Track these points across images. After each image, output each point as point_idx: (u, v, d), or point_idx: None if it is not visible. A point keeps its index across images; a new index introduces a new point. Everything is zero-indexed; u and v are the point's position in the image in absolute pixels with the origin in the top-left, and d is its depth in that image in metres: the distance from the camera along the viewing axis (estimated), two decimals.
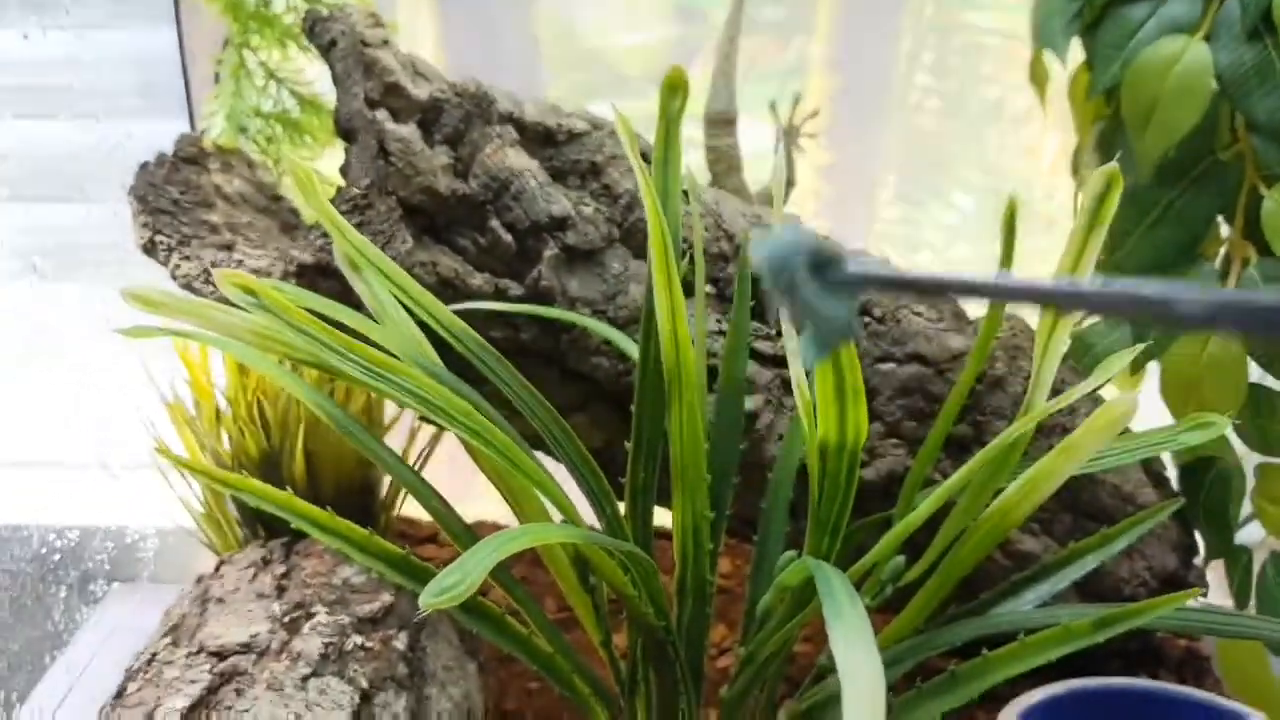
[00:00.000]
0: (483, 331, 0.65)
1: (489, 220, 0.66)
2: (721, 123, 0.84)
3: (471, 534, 0.55)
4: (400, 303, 0.54)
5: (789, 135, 0.89)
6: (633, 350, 0.61)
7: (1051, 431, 0.72)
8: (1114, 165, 0.44)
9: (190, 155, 0.75)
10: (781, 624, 0.52)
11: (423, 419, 0.72)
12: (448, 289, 0.65)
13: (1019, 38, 0.94)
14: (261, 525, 0.80)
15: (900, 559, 0.54)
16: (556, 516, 0.54)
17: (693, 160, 0.75)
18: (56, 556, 0.98)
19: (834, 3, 0.90)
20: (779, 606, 0.51)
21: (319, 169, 0.81)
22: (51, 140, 0.93)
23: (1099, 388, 0.52)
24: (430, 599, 0.31)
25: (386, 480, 0.85)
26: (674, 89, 0.53)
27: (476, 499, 0.99)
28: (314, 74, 0.81)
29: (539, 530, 0.38)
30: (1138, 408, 0.46)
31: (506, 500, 0.55)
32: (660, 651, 0.50)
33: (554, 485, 0.50)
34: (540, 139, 0.69)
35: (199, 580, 0.71)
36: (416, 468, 0.76)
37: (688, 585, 0.54)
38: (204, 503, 0.82)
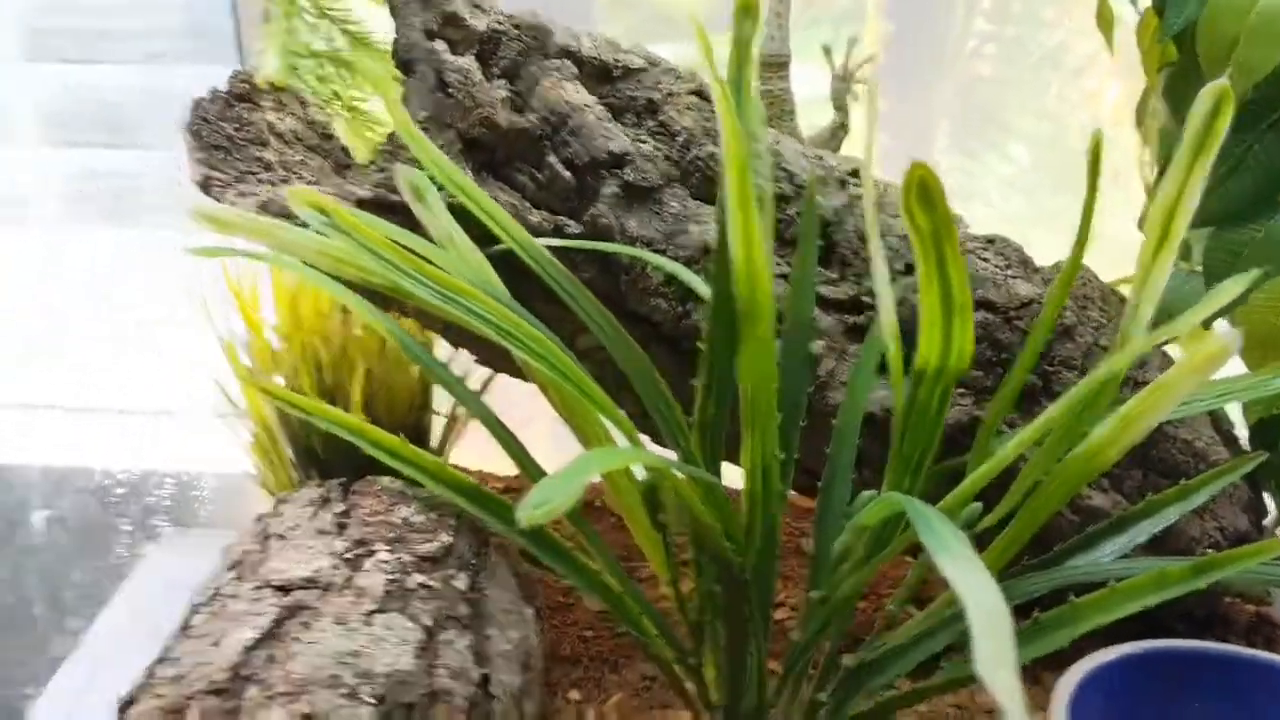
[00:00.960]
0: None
1: (547, 156, 0.65)
2: (774, 66, 0.82)
3: (534, 462, 0.54)
4: (476, 224, 0.53)
5: (843, 81, 0.87)
6: (699, 286, 0.60)
7: (1123, 386, 0.70)
8: (1224, 82, 0.42)
9: (242, 92, 0.74)
10: (856, 567, 0.51)
11: (477, 357, 0.72)
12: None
13: None
14: (316, 468, 0.80)
15: (977, 505, 0.53)
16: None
17: None
18: (117, 495, 0.99)
19: None
20: (855, 548, 0.50)
21: (370, 109, 0.81)
22: (102, 84, 0.93)
23: (1185, 329, 0.50)
24: (529, 512, 0.31)
25: (439, 426, 0.85)
26: (746, 11, 0.51)
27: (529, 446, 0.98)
28: (364, 13, 0.80)
29: (630, 453, 0.38)
30: (1239, 344, 0.44)
31: (572, 429, 0.54)
32: (732, 590, 0.50)
33: (622, 415, 0.49)
34: (597, 74, 0.67)
35: (259, 519, 0.71)
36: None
37: (757, 526, 0.53)
38: (261, 446, 0.82)
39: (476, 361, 0.75)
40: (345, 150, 0.77)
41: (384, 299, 0.62)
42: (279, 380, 0.78)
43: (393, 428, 0.80)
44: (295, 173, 0.72)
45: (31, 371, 1.09)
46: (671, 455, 0.55)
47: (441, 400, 0.87)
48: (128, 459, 1.02)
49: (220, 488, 0.99)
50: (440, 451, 0.86)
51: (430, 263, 0.48)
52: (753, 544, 0.53)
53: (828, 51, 0.86)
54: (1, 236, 1.04)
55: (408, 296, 0.46)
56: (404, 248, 0.48)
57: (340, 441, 0.81)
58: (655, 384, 0.51)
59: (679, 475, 0.43)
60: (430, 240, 0.57)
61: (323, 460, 0.82)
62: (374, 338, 0.79)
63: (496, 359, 0.74)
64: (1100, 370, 0.38)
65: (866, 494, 0.49)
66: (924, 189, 0.33)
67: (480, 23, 0.63)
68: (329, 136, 0.77)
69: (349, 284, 0.50)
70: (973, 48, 0.92)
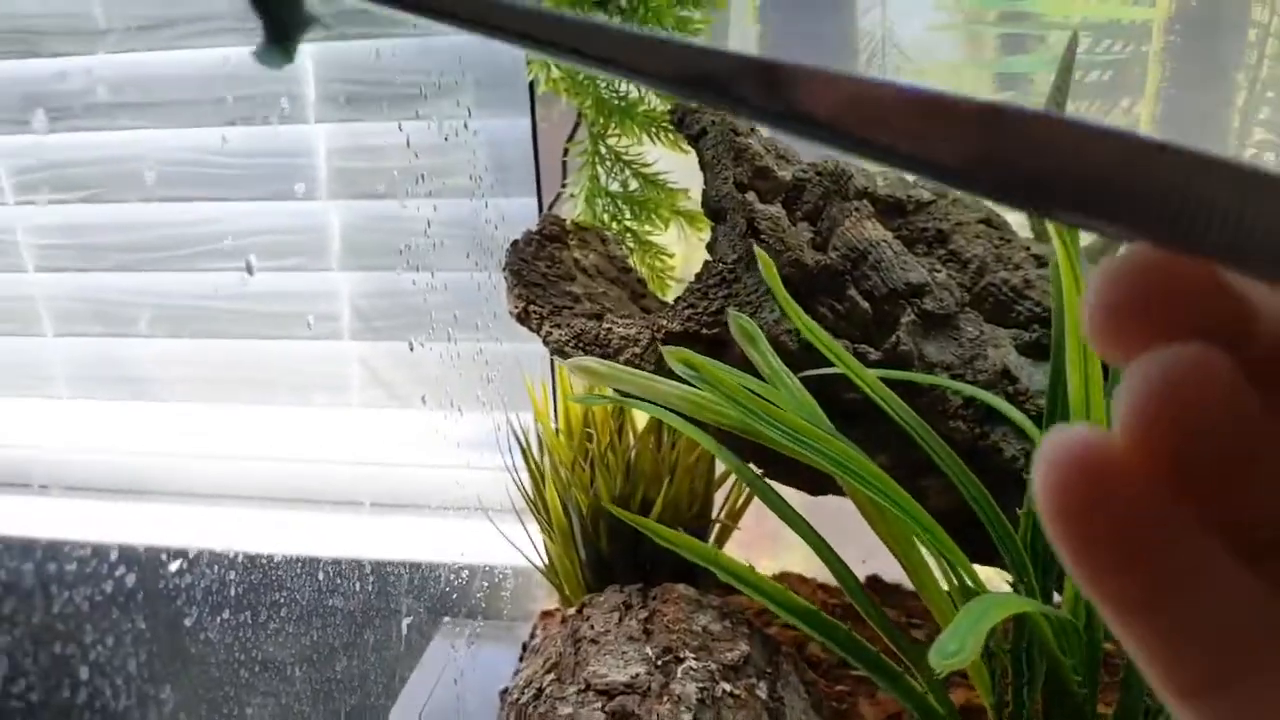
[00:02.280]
0: (840, 395, 0.69)
1: (847, 289, 0.69)
2: None
3: (856, 582, 0.57)
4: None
5: None
6: (1006, 409, 0.62)
7: None
8: None
9: (553, 233, 0.83)
10: None
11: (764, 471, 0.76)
12: (808, 355, 0.69)
13: None
14: (600, 566, 0.86)
15: None
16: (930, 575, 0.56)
17: (1011, 219, 0.76)
18: (405, 585, 1.09)
19: (1162, 66, 0.89)
20: None
21: (659, 242, 0.88)
22: (398, 215, 1.06)
23: None
24: (942, 660, 0.34)
25: (713, 533, 0.90)
26: None
27: (785, 550, 1.02)
28: (653, 156, 0.88)
29: (1014, 601, 0.41)
30: None
31: (893, 551, 0.57)
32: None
33: (956, 548, 0.52)
34: (891, 209, 0.72)
35: (564, 620, 0.77)
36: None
37: (1081, 653, 0.54)
38: (552, 546, 0.89)
39: (765, 475, 0.79)
40: (640, 281, 0.85)
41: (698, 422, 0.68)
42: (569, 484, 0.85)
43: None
44: (600, 304, 0.80)
45: (322, 467, 1.23)
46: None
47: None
48: (419, 550, 1.12)
49: (493, 579, 1.07)
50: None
51: (772, 404, 0.53)
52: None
53: None
54: (315, 348, 1.19)
55: (759, 437, 0.51)
56: (750, 391, 0.53)
57: (625, 544, 0.88)
58: (1000, 517, 0.54)
59: (1042, 615, 0.45)
60: (741, 370, 0.63)
61: (607, 560, 0.88)
62: (650, 448, 0.85)
63: (780, 473, 0.78)
64: None
65: None
66: None
67: (786, 173, 0.69)
68: (627, 269, 0.85)
69: (693, 420, 0.56)
70: (1250, 155, 0.90)
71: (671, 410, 0.53)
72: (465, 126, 0.95)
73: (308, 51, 1.07)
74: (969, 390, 0.65)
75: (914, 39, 0.91)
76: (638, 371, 0.54)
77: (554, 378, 1.01)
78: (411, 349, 1.05)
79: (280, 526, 1.16)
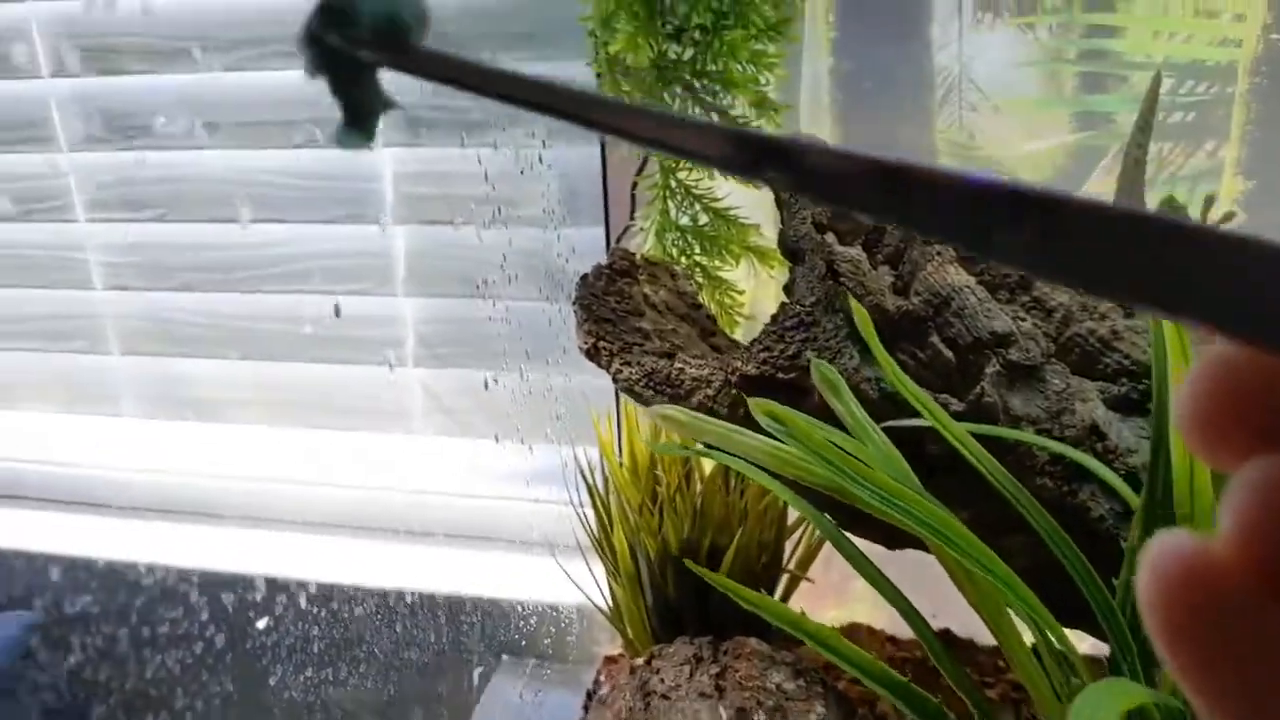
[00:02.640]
0: (920, 446, 0.67)
1: (929, 336, 0.67)
2: None
3: (939, 643, 0.55)
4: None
5: None
6: (1095, 468, 0.59)
7: None
8: None
9: (623, 268, 0.82)
10: None
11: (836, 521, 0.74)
12: (889, 404, 0.67)
13: None
14: (668, 612, 0.85)
15: None
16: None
17: None
18: (463, 631, 1.08)
19: (1248, 108, 0.86)
20: None
21: (729, 278, 0.87)
22: (461, 242, 1.06)
23: None
24: None
25: (782, 583, 0.88)
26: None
27: (851, 601, 0.99)
28: (723, 190, 0.87)
29: (1133, 691, 0.38)
30: None
31: (981, 614, 0.55)
32: None
33: (1048, 614, 0.50)
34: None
35: (633, 670, 0.76)
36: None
37: None
38: (618, 589, 0.88)
39: (839, 526, 0.77)
40: (710, 318, 0.84)
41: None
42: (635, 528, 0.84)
43: (743, 581, 0.84)
44: (669, 341, 0.78)
45: (388, 498, 1.23)
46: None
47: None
48: (484, 586, 1.11)
49: (558, 621, 1.06)
50: (785, 603, 0.88)
51: (860, 460, 0.51)
52: None
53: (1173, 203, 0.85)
54: (375, 374, 1.19)
55: (847, 496, 0.49)
56: (836, 445, 0.51)
57: (693, 591, 0.86)
58: (1099, 586, 0.51)
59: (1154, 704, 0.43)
60: (819, 418, 0.61)
61: (674, 606, 0.86)
62: (719, 492, 0.83)
63: (856, 525, 0.76)
64: None
65: None
66: None
67: None
68: (697, 306, 0.83)
69: (774, 473, 0.54)
70: None
71: (753, 463, 0.52)
72: (539, 160, 0.95)
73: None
74: (1057, 448, 0.62)
75: (990, 75, 0.89)
76: (719, 422, 0.52)
77: (619, 411, 1.00)
78: (487, 387, 1.05)
79: (343, 555, 1.16)
